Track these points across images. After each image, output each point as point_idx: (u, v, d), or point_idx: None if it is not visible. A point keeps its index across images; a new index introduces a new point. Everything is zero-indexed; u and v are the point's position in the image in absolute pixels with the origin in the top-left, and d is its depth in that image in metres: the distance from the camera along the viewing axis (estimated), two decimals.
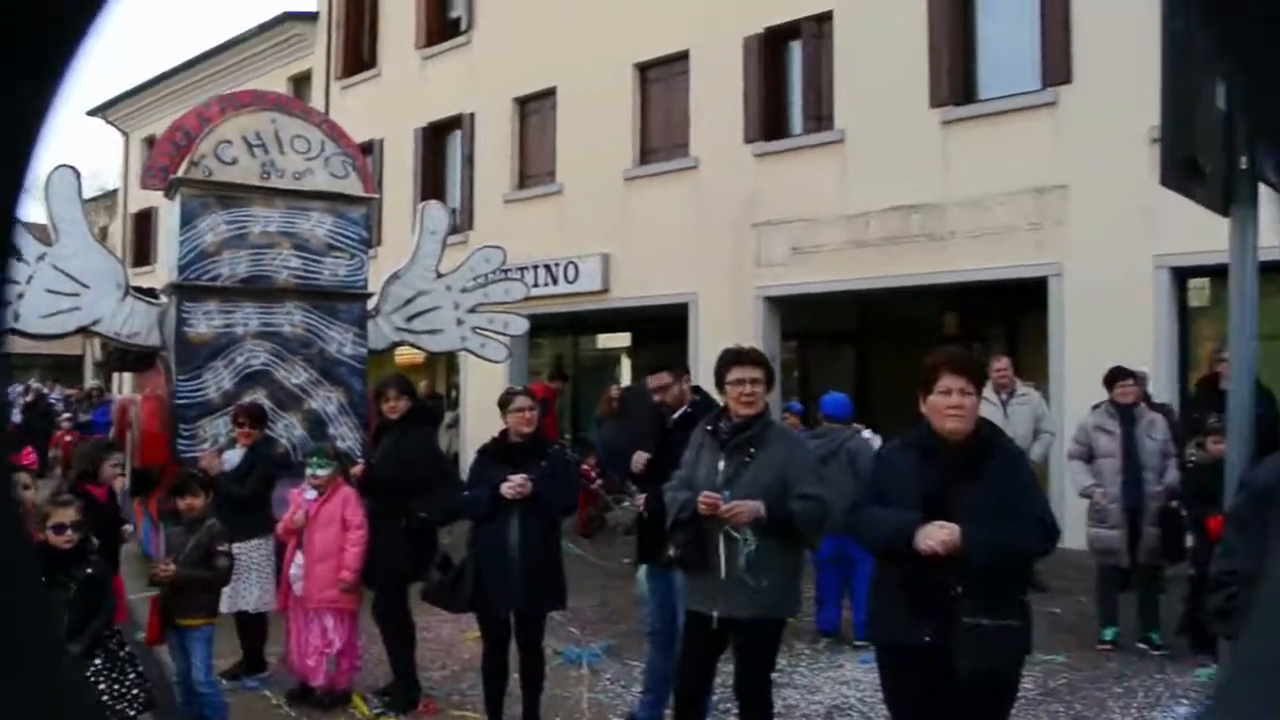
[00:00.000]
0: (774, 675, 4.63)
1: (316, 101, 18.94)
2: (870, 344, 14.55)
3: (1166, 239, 9.56)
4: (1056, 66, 10.97)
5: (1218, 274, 9.10)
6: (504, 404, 5.35)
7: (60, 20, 0.50)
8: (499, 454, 5.25)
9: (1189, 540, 6.71)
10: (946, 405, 3.44)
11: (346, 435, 9.07)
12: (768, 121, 13.40)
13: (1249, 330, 2.57)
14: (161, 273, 14.41)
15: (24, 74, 0.50)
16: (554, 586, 5.22)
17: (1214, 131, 2.61)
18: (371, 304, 9.58)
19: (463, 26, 17.77)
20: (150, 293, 9.36)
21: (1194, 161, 2.49)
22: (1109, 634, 7.00)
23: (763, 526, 4.09)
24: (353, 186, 9.41)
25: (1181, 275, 10.21)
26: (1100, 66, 10.29)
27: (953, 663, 3.26)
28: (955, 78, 11.73)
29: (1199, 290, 10.35)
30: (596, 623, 7.70)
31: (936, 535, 3.27)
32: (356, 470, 6.47)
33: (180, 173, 8.85)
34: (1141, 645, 6.88)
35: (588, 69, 15.27)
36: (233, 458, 6.88)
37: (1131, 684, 6.23)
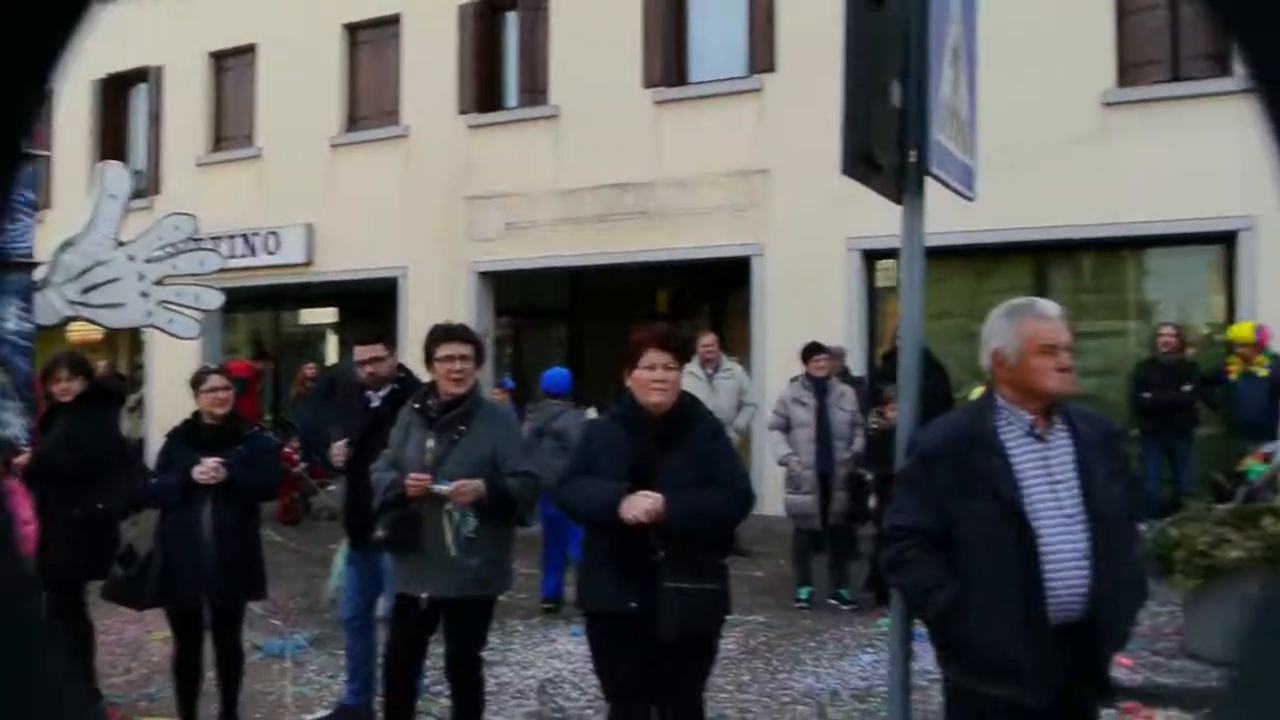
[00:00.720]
0: (487, 653, 4.61)
1: None
2: (583, 320, 14.75)
3: (858, 223, 10.27)
4: (762, 55, 11.54)
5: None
6: (196, 383, 5.00)
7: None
8: (190, 437, 4.91)
9: (872, 502, 7.30)
10: (651, 379, 3.54)
11: (10, 421, 8.13)
12: (482, 93, 13.23)
13: (917, 307, 2.78)
14: None
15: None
16: (252, 576, 4.94)
17: (890, 127, 2.79)
18: (39, 274, 8.63)
19: None
20: None
21: (871, 154, 2.65)
22: (804, 593, 7.50)
23: (481, 505, 4.05)
24: None
25: (871, 257, 11.04)
26: (801, 58, 10.90)
27: (657, 626, 3.36)
28: (668, 60, 12.06)
29: (886, 271, 11.22)
30: (300, 613, 7.36)
31: (641, 504, 3.36)
32: (20, 460, 5.81)
33: None
34: (833, 601, 7.42)
35: (292, 25, 14.44)
36: None
37: (823, 638, 6.70)
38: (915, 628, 3.01)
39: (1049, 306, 2.78)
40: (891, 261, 11.09)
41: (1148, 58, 10.43)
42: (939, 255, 10.61)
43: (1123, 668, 5.95)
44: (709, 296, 14.16)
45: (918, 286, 2.85)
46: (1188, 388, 8.88)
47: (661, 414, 3.56)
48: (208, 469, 4.68)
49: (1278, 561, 5.75)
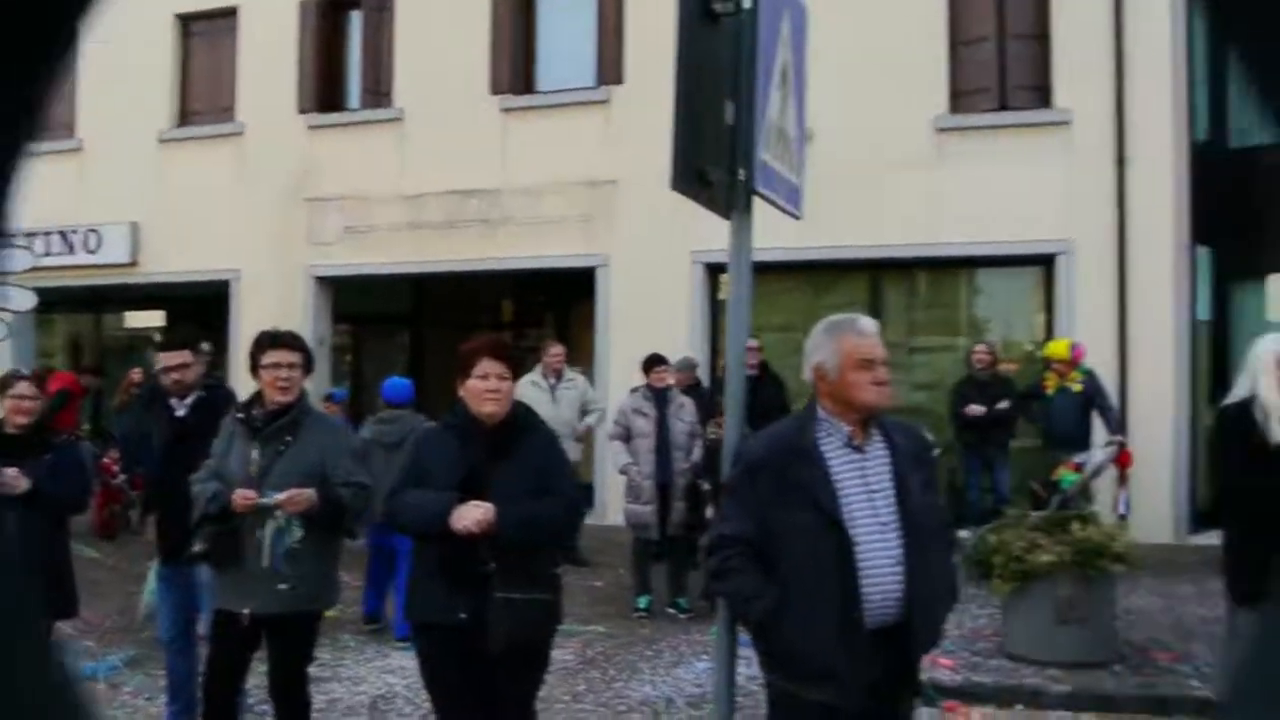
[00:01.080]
0: (316, 670, 4.47)
1: None
2: (427, 328, 14.49)
3: (702, 236, 10.38)
4: (610, 66, 11.61)
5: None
6: (2, 388, 4.72)
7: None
8: None
9: (710, 512, 7.41)
10: (484, 389, 3.51)
11: None
12: (323, 92, 12.87)
13: (744, 322, 2.84)
14: None
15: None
16: (62, 593, 4.66)
17: (722, 145, 2.85)
18: None
19: None
20: None
21: (702, 170, 2.70)
22: (643, 602, 7.55)
23: (311, 516, 3.93)
24: None
25: (714, 270, 11.24)
26: (648, 71, 10.99)
27: (486, 636, 3.33)
28: (516, 67, 12.01)
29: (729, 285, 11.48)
30: (115, 632, 6.96)
31: (471, 515, 3.32)
32: None
33: None
34: (671, 610, 7.49)
35: (121, 13, 13.71)
36: None
37: (660, 646, 6.76)
38: (742, 634, 3.07)
39: (867, 323, 2.88)
40: (727, 276, 11.36)
41: (977, 86, 10.99)
42: (780, 270, 10.97)
43: (944, 668, 6.22)
44: (554, 306, 14.14)
45: (745, 301, 2.92)
46: (1004, 404, 9.35)
47: (494, 424, 3.54)
48: (6, 479, 4.40)
49: (1085, 564, 6.12)
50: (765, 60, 2.89)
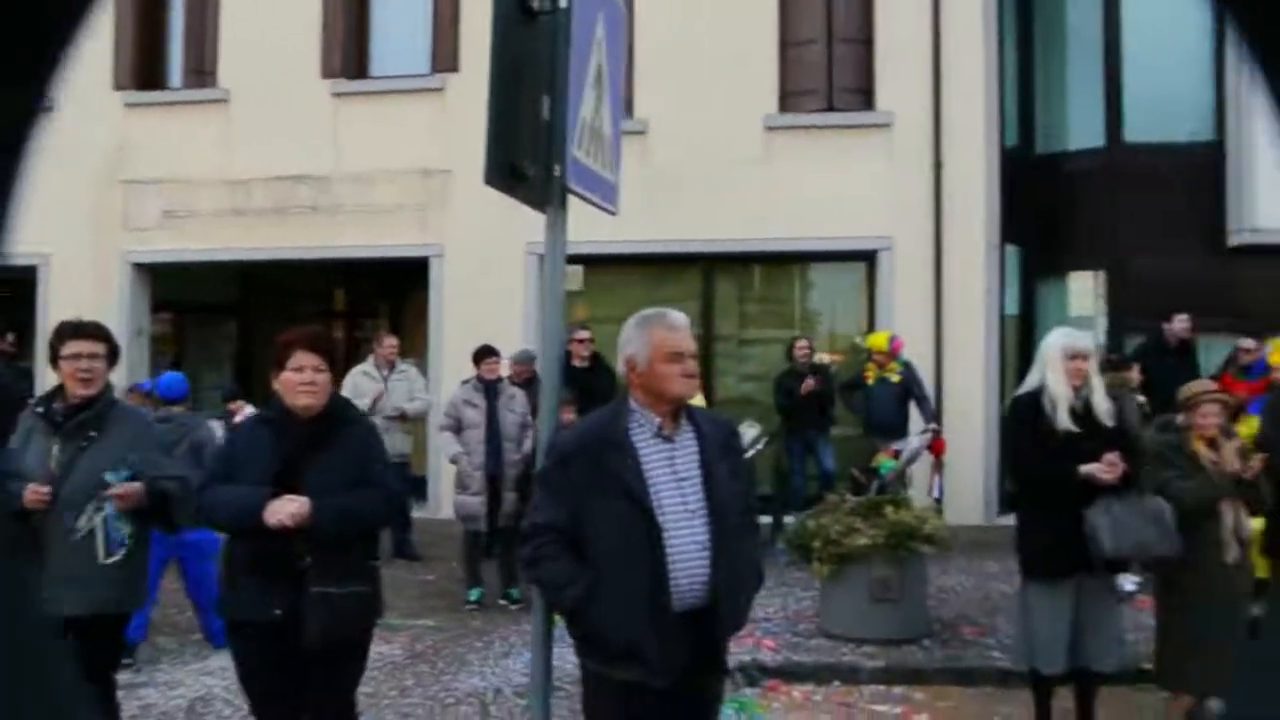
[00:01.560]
0: (132, 676, 4.30)
1: None
2: (255, 318, 13.97)
3: (535, 228, 10.36)
4: (444, 54, 11.45)
5: (583, 262, 10.26)
6: None
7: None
8: None
9: None
10: (299, 381, 3.46)
11: None
12: (141, 69, 12.23)
13: (557, 315, 2.90)
14: None
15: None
16: None
17: (540, 141, 2.89)
18: None
19: None
20: None
21: (518, 165, 2.73)
22: (474, 595, 7.54)
23: (141, 512, 3.80)
24: None
25: None
26: (483, 61, 10.88)
27: (302, 632, 3.29)
28: (348, 51, 11.71)
29: (571, 276, 11.52)
30: None
31: (286, 509, 3.28)
32: None
33: None
34: (502, 602, 7.50)
35: None
36: None
37: (491, 638, 6.76)
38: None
39: (677, 317, 2.97)
40: (569, 267, 11.43)
41: (805, 87, 11.36)
42: (619, 262, 11.11)
43: (766, 649, 6.46)
44: (388, 296, 13.89)
45: (559, 295, 2.97)
46: (811, 381, 9.46)
47: (310, 416, 3.49)
48: None
49: (899, 546, 6.45)
50: (579, 59, 2.94)
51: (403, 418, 8.87)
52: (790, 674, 6.18)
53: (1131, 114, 11.17)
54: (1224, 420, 5.14)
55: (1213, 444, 4.97)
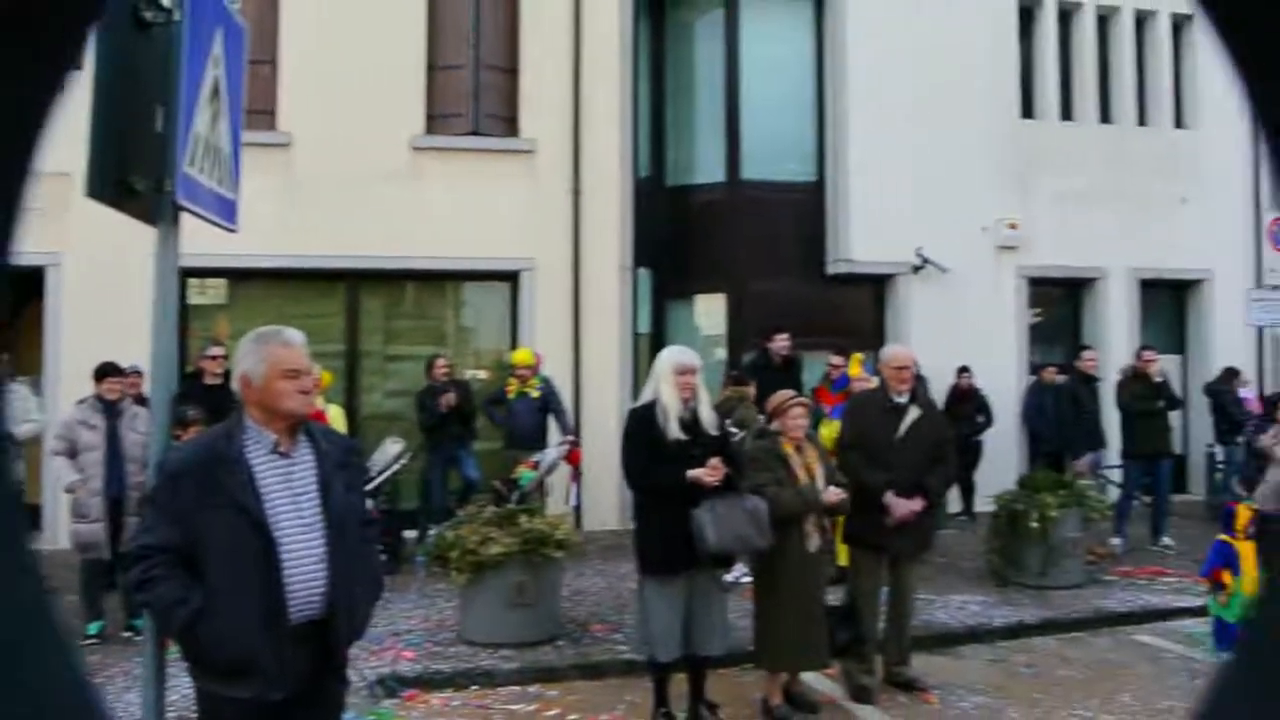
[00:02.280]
0: None
1: None
2: None
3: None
4: None
5: (227, 275, 9.82)
6: None
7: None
8: None
9: None
10: None
11: None
12: None
13: (169, 331, 2.89)
14: None
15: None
16: None
17: (153, 153, 2.87)
18: None
19: None
20: None
21: (125, 180, 2.71)
22: (93, 628, 7.03)
23: None
24: None
25: (183, 274, 10.65)
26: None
27: None
28: None
29: (199, 289, 10.96)
30: None
31: None
32: None
33: None
34: (126, 634, 7.03)
35: None
36: None
37: (113, 672, 6.34)
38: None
39: (294, 335, 3.05)
40: (206, 280, 10.91)
41: (452, 111, 11.58)
42: (264, 276, 10.76)
43: (405, 660, 6.56)
44: None
45: (171, 309, 2.96)
46: (451, 397, 9.67)
47: None
48: None
49: (532, 552, 6.78)
50: (191, 74, 2.95)
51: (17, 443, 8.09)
52: (429, 682, 6.33)
53: (748, 152, 12.38)
54: (808, 425, 5.92)
55: (799, 448, 5.70)
